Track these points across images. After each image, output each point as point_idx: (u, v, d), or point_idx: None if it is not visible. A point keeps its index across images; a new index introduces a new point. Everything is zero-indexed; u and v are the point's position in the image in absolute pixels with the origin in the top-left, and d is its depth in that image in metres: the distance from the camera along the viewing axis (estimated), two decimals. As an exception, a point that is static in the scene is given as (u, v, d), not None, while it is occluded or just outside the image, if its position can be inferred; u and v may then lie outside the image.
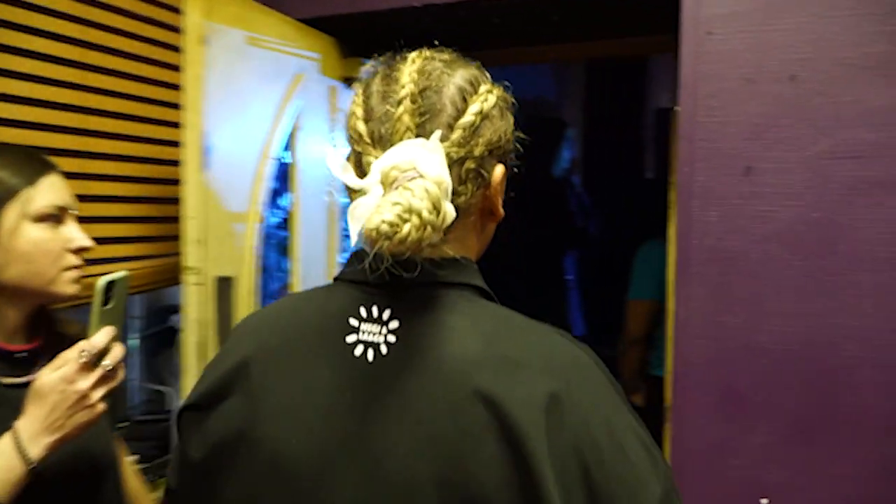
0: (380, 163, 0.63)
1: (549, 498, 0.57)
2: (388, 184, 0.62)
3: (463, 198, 0.67)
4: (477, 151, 0.68)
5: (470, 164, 0.67)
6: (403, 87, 0.66)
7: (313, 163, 1.94)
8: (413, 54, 0.70)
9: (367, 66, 0.72)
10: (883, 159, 1.24)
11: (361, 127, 0.68)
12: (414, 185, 0.60)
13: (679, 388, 1.40)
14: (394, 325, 0.66)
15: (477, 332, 0.64)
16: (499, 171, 0.71)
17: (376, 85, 0.69)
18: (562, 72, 4.07)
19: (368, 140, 0.68)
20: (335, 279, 0.72)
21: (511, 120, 0.73)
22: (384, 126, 0.67)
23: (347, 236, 2.24)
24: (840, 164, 1.27)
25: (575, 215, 3.01)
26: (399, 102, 0.66)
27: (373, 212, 0.59)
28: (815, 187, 1.28)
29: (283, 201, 1.97)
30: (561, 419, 0.60)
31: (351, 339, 0.67)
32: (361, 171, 0.67)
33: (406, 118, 0.65)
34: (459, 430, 0.60)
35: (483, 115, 0.68)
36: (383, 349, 0.65)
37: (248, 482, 0.67)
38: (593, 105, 4.14)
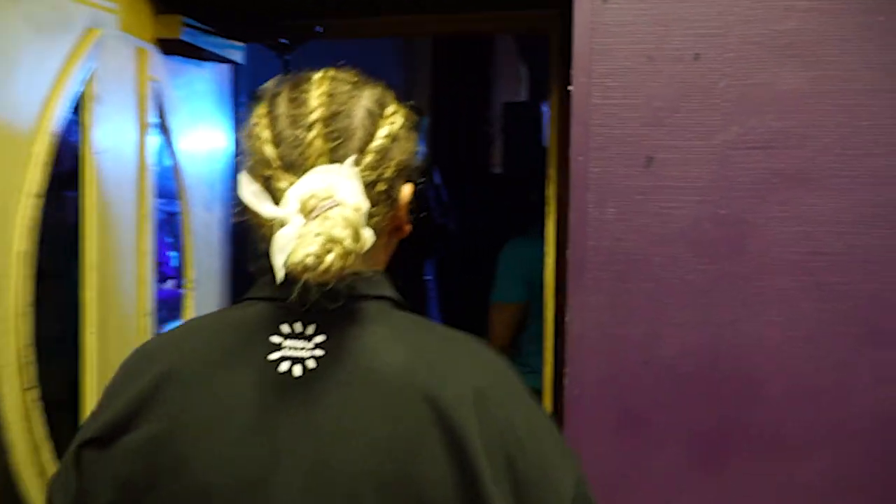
0: (296, 190, 0.64)
1: (488, 489, 0.62)
2: (306, 212, 0.62)
3: (375, 219, 0.68)
4: (388, 174, 0.69)
5: (381, 187, 0.69)
6: (313, 111, 0.68)
7: (116, 143, 1.53)
8: (318, 75, 0.71)
9: (267, 85, 0.73)
10: (794, 150, 1.13)
11: (270, 151, 0.68)
12: (334, 213, 0.61)
13: (573, 412, 1.21)
14: (320, 339, 0.67)
15: (403, 340, 0.68)
16: (406, 190, 0.73)
17: (282, 108, 0.70)
18: (409, 55, 3.83)
19: (279, 165, 0.68)
20: (244, 298, 0.72)
21: (416, 138, 0.75)
22: (296, 151, 0.67)
23: (165, 236, 1.84)
24: (749, 155, 1.14)
25: (433, 212, 2.80)
26: (310, 127, 0.67)
27: (296, 244, 0.60)
28: (723, 181, 1.15)
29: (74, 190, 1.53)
30: (487, 414, 0.64)
31: (274, 356, 0.67)
32: (270, 197, 0.66)
33: (318, 143, 0.67)
34: (402, 431, 0.63)
35: (392, 138, 0.70)
36: (311, 363, 0.66)
37: None
38: (441, 93, 3.94)
